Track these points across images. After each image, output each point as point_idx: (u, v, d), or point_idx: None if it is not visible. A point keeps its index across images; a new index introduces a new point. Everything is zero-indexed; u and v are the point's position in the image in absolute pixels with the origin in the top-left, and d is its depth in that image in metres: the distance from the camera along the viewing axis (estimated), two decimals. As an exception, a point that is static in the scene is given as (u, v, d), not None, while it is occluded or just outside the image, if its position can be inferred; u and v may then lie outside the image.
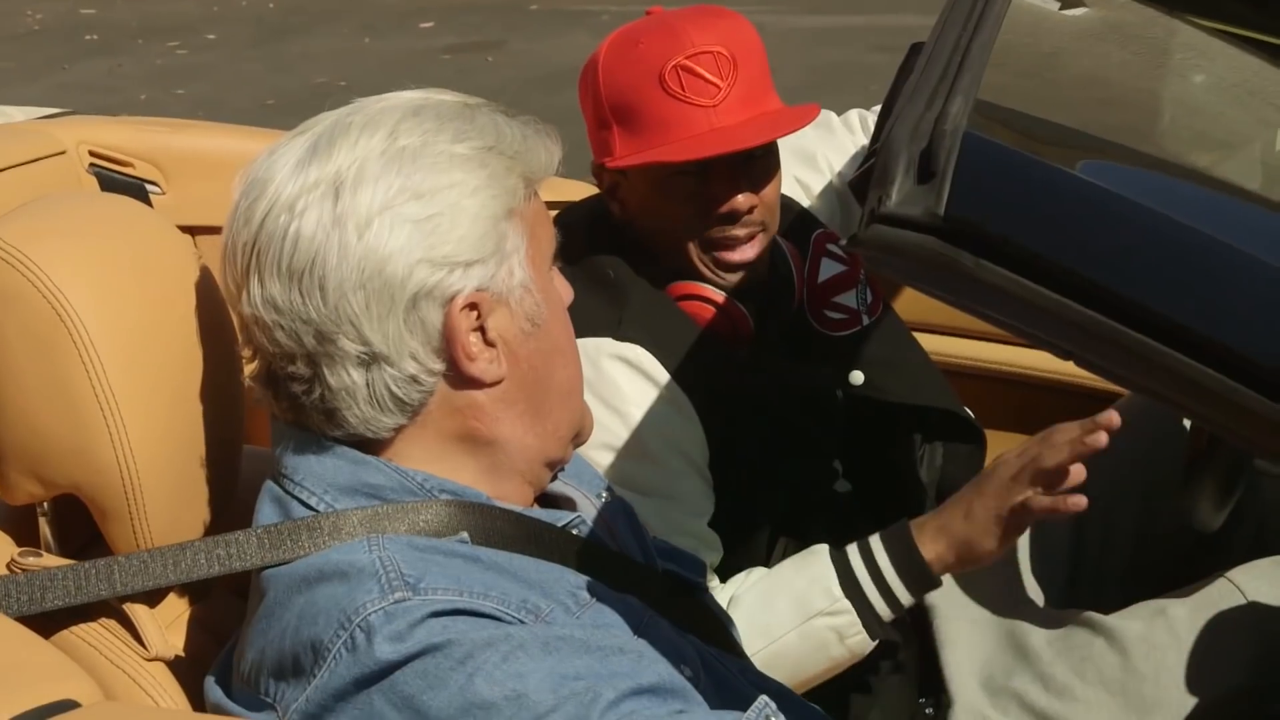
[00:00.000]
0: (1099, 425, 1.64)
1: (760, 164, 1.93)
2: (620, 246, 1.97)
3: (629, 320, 1.89)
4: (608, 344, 1.87)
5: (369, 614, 1.21)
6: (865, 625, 1.78)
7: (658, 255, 1.96)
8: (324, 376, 1.30)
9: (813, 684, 1.80)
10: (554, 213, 1.69)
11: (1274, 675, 1.79)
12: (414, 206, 1.28)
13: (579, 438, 1.47)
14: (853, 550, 1.80)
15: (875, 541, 1.80)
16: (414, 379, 1.31)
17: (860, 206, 1.10)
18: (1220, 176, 1.46)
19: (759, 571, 1.89)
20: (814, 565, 1.82)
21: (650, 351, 1.89)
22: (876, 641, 1.80)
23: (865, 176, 1.09)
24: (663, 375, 1.89)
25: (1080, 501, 1.63)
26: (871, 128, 2.39)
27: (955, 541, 1.74)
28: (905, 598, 1.77)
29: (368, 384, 1.30)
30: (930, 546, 1.75)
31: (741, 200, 1.90)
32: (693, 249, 1.94)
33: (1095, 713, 1.83)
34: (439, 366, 1.32)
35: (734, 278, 1.96)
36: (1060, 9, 1.70)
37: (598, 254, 1.94)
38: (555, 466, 1.46)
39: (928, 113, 1.08)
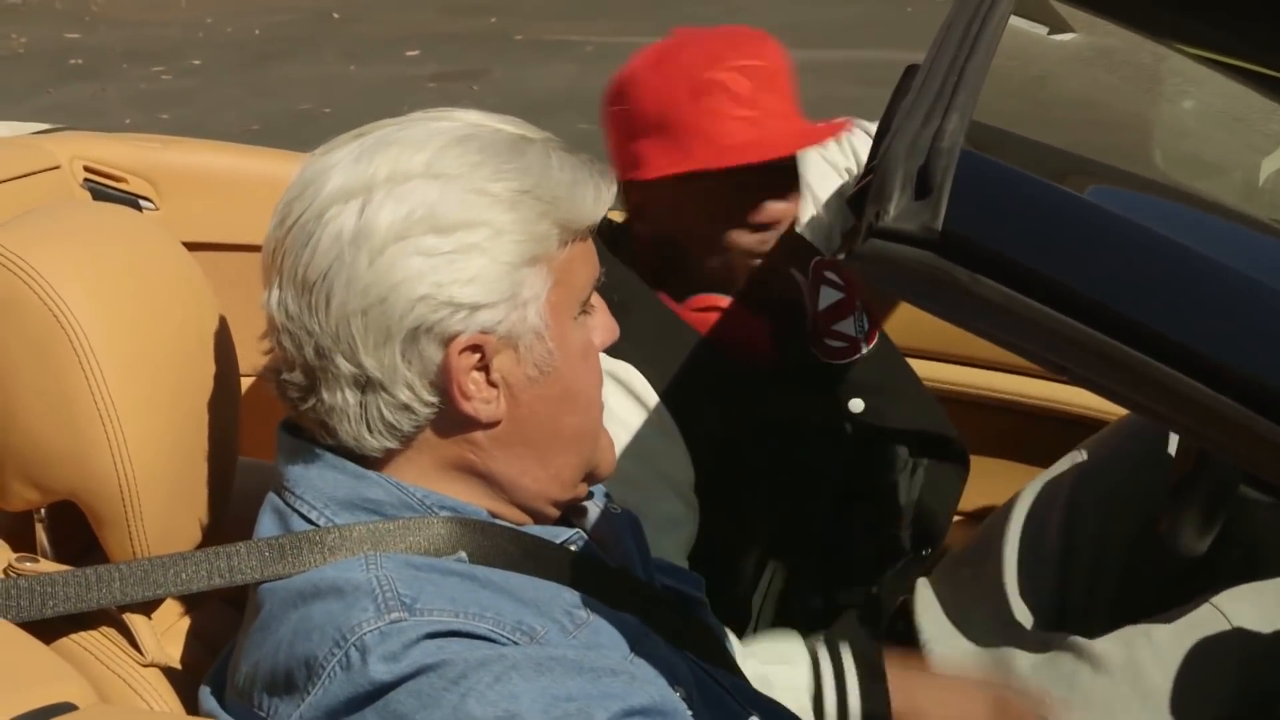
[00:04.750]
0: None
1: (791, 176, 1.96)
2: (641, 263, 2.00)
3: (624, 337, 1.90)
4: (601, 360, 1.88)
5: (364, 633, 1.21)
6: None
7: (683, 268, 1.98)
8: (320, 390, 1.31)
9: None
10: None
11: (1257, 704, 1.80)
12: (431, 240, 1.26)
13: (592, 477, 1.45)
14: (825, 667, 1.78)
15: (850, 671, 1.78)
16: (407, 407, 1.30)
17: (857, 222, 1.11)
18: (1210, 198, 1.48)
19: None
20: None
21: (642, 370, 1.90)
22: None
23: (863, 192, 1.10)
24: (651, 396, 1.90)
25: None
26: (851, 150, 2.42)
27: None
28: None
29: (361, 405, 1.30)
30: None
31: (776, 209, 1.94)
32: (720, 258, 1.96)
33: None
34: (433, 399, 1.31)
35: (760, 291, 1.99)
36: (1049, 34, 1.72)
37: (611, 277, 1.95)
38: (561, 505, 1.44)
39: (924, 130, 1.09)
